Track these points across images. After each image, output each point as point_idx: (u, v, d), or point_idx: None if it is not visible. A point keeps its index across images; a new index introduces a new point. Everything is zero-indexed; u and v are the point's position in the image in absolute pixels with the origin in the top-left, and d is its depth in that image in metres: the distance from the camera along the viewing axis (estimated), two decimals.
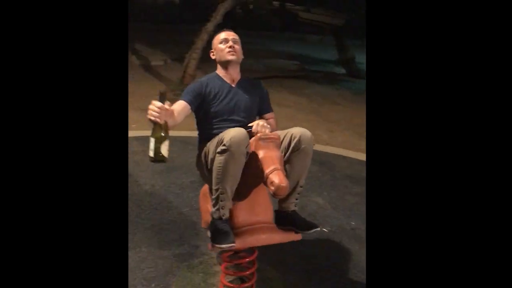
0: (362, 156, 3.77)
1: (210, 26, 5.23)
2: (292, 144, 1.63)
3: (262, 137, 1.57)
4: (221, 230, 1.61)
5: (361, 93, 6.56)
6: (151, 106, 1.51)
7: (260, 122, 1.74)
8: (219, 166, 1.56)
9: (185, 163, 3.07)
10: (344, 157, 3.62)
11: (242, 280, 1.82)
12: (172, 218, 2.36)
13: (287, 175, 1.65)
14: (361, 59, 8.63)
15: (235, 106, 1.88)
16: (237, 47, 1.92)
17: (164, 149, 1.52)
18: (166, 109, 1.53)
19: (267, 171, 1.49)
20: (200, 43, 5.15)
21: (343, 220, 2.56)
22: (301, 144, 1.62)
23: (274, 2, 11.10)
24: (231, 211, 1.68)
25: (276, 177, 1.45)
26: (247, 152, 1.56)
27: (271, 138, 1.57)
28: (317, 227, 1.73)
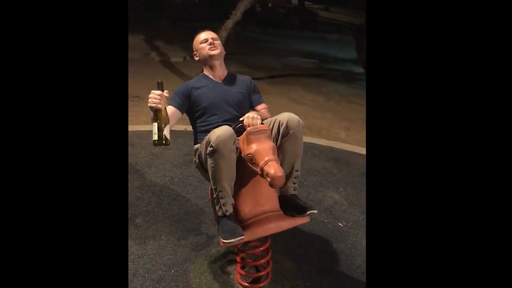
0: None
1: (229, 23, 5.28)
2: (281, 131, 1.67)
3: (252, 130, 1.58)
4: (228, 226, 1.65)
5: None
6: (151, 95, 1.61)
7: (251, 114, 1.74)
8: (212, 167, 1.59)
9: None
10: (360, 155, 3.63)
11: (257, 269, 1.87)
12: (190, 209, 2.42)
13: (281, 162, 1.68)
14: None
15: (224, 101, 1.94)
16: (217, 42, 1.99)
17: (167, 133, 1.63)
18: (165, 96, 1.63)
19: (261, 163, 1.51)
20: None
21: (359, 215, 2.58)
22: (289, 129, 1.66)
23: (293, 1, 11.10)
24: (236, 206, 1.70)
25: (271, 168, 1.47)
26: (237, 148, 1.59)
27: (260, 130, 1.59)
28: (312, 209, 1.70)
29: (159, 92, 1.62)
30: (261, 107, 2.05)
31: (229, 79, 2.04)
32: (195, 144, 1.99)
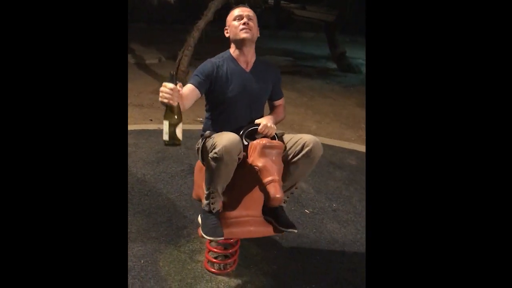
0: (346, 145, 3.91)
1: (201, 23, 5.34)
2: (304, 151, 1.66)
3: (267, 144, 1.56)
4: (211, 223, 1.71)
5: (350, 86, 6.69)
6: (162, 88, 1.44)
7: (268, 122, 1.73)
8: (211, 170, 1.59)
9: (176, 154, 3.20)
10: (330, 146, 3.74)
11: (226, 256, 1.95)
12: (161, 204, 2.48)
13: (287, 176, 1.71)
14: (352, 54, 8.76)
15: (247, 93, 1.80)
16: (252, 24, 1.78)
17: (179, 132, 1.49)
18: (178, 91, 1.47)
19: (265, 180, 1.53)
20: (191, 41, 5.26)
21: (325, 202, 2.69)
22: (312, 153, 1.67)
23: (270, 0, 11.20)
24: (223, 203, 1.76)
25: (273, 189, 1.51)
26: (239, 158, 1.59)
27: (275, 147, 1.58)
28: (294, 228, 1.79)
29: (171, 85, 1.44)
30: (278, 103, 1.98)
31: (257, 68, 1.86)
32: (203, 130, 1.89)
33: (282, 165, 1.61)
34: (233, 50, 1.84)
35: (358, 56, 9.08)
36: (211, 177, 1.63)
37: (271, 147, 1.57)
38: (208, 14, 5.32)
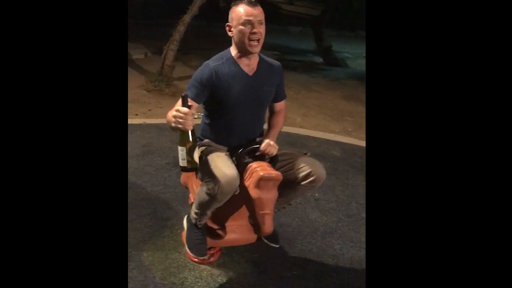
0: (331, 137, 3.96)
1: (186, 17, 5.33)
2: (307, 181, 1.66)
3: (265, 176, 1.52)
4: (196, 238, 1.73)
5: (335, 80, 6.75)
6: (176, 113, 1.38)
7: (271, 142, 1.66)
8: (203, 201, 1.58)
9: (161, 147, 3.22)
10: (314, 138, 3.80)
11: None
12: (145, 196, 2.51)
13: (283, 194, 1.69)
14: (337, 48, 8.82)
15: (250, 99, 1.70)
16: (262, 31, 1.61)
17: (196, 156, 1.44)
18: (193, 114, 1.41)
19: (258, 212, 1.54)
20: (177, 35, 5.26)
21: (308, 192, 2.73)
22: (316, 183, 1.68)
23: None
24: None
25: (264, 224, 1.54)
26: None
27: (272, 178, 1.54)
28: (277, 244, 1.89)
29: (185, 110, 1.37)
30: (279, 106, 1.88)
31: (262, 71, 1.71)
32: (202, 135, 1.81)
33: (277, 195, 1.59)
34: (235, 53, 1.68)
35: (343, 50, 9.14)
36: (201, 205, 1.62)
37: (269, 179, 1.53)
38: (193, 8, 5.31)
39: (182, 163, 1.43)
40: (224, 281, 1.83)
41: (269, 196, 1.54)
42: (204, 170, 1.58)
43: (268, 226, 1.53)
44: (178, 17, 5.42)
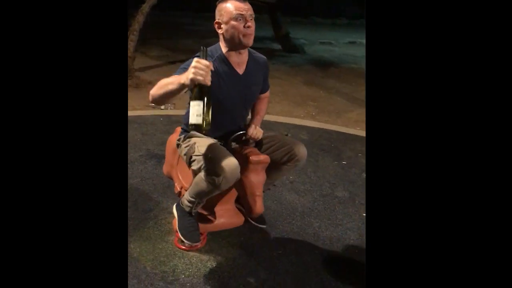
0: (297, 121, 4.10)
1: (145, 7, 5.24)
2: (291, 161, 1.75)
3: (255, 160, 1.61)
4: (189, 225, 1.78)
5: (295, 66, 6.89)
6: (196, 64, 1.29)
7: (256, 126, 1.75)
8: (202, 190, 1.60)
9: (132, 140, 3.20)
10: (281, 123, 3.91)
11: None
12: None
13: (269, 175, 1.76)
14: (295, 34, 8.97)
15: (240, 97, 1.73)
16: (253, 25, 1.61)
17: (210, 116, 1.34)
18: (212, 70, 1.34)
19: (249, 194, 1.62)
20: (137, 25, 5.16)
21: (289, 177, 2.84)
22: (298, 162, 1.76)
23: None
24: None
25: (255, 204, 1.61)
26: None
27: (261, 161, 1.63)
28: (264, 224, 1.98)
29: (206, 62, 1.30)
30: (264, 95, 1.94)
31: (250, 69, 1.73)
32: (185, 124, 1.79)
33: (265, 177, 1.68)
34: (225, 50, 1.67)
35: (300, 36, 9.30)
36: (200, 193, 1.65)
37: (258, 162, 1.62)
38: None
39: (196, 119, 1.30)
40: (214, 265, 1.89)
41: (259, 178, 1.63)
42: (203, 160, 1.59)
43: (259, 206, 1.61)
44: (136, 6, 5.30)
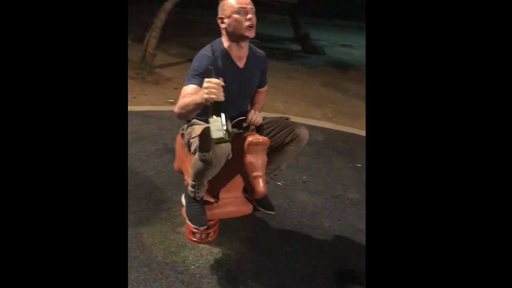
0: (313, 122, 4.10)
1: (168, 5, 5.33)
2: (294, 142, 1.79)
3: (254, 141, 1.64)
4: (195, 211, 1.81)
5: (314, 67, 6.89)
6: (208, 85, 1.41)
7: (255, 112, 1.78)
8: (198, 168, 1.64)
9: (150, 134, 3.27)
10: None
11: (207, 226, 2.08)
12: (139, 181, 2.57)
13: (274, 159, 1.82)
14: (315, 35, 8.95)
15: (242, 94, 1.82)
16: (254, 18, 1.69)
17: (230, 127, 1.45)
18: (222, 85, 1.44)
19: (250, 175, 1.64)
20: (159, 22, 5.25)
21: (296, 175, 2.87)
22: (300, 142, 1.80)
23: None
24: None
25: (258, 185, 1.63)
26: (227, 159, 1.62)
27: (260, 143, 1.65)
28: (272, 210, 1.96)
29: (217, 81, 1.42)
30: (262, 90, 2.01)
31: (250, 63, 1.81)
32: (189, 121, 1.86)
33: (266, 159, 1.71)
34: (227, 44, 1.74)
35: (321, 37, 9.28)
36: (198, 174, 1.68)
37: (257, 144, 1.65)
38: None
39: (217, 134, 1.41)
40: (223, 258, 1.93)
41: (259, 159, 1.66)
42: (196, 139, 1.66)
43: (261, 187, 1.62)
44: (158, 4, 5.40)
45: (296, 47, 8.43)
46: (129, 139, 3.14)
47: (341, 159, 3.24)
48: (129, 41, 7.08)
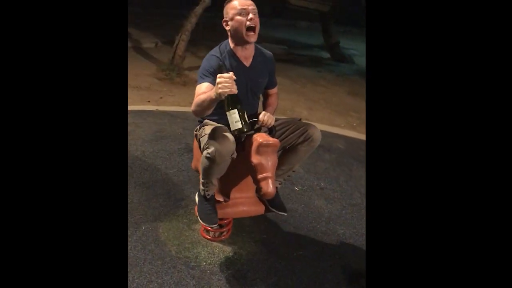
0: (336, 130, 4.09)
1: (199, 9, 5.44)
2: (307, 142, 1.81)
3: (263, 143, 1.65)
4: (206, 209, 1.86)
5: (342, 75, 6.84)
6: (221, 80, 1.49)
7: (267, 113, 1.79)
8: (205, 166, 1.68)
9: (173, 133, 3.35)
10: (320, 131, 3.92)
11: (221, 225, 2.12)
12: (160, 178, 2.64)
13: (285, 160, 1.86)
14: (345, 44, 8.90)
15: (249, 92, 1.85)
16: (258, 21, 1.74)
17: (246, 117, 1.52)
18: (234, 79, 1.52)
19: (260, 176, 1.66)
20: (189, 26, 5.37)
21: (314, 181, 2.87)
22: (313, 143, 1.83)
23: None
24: (218, 186, 1.88)
25: (266, 185, 1.65)
26: (232, 158, 1.66)
27: (270, 145, 1.67)
28: (285, 211, 1.97)
29: (228, 75, 1.49)
30: (273, 91, 2.03)
31: (257, 62, 1.86)
32: (201, 120, 1.93)
33: (276, 160, 1.72)
34: (233, 45, 1.81)
35: (351, 46, 9.22)
36: (205, 172, 1.73)
37: (267, 145, 1.66)
38: (206, 0, 5.41)
39: (236, 126, 1.51)
40: (235, 257, 1.97)
41: (268, 161, 1.67)
42: (204, 138, 1.72)
43: (270, 188, 1.63)
44: (188, 7, 5.52)
45: (325, 54, 8.40)
46: (152, 137, 3.23)
47: (361, 168, 3.22)
48: (159, 43, 7.27)
